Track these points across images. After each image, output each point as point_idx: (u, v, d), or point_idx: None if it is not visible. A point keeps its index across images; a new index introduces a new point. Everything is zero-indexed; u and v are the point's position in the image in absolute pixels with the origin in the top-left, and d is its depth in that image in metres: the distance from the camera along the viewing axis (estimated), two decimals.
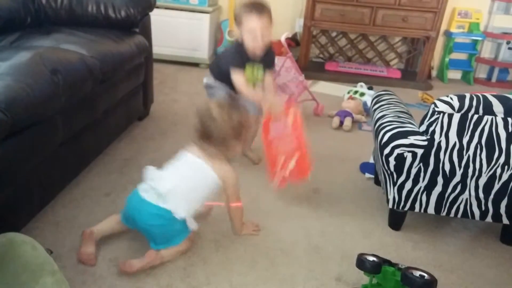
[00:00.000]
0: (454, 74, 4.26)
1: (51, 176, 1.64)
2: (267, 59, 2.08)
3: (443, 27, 3.93)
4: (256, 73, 2.06)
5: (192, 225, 1.48)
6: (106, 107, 2.03)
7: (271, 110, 1.96)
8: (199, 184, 1.49)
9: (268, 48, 2.03)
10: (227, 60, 2.03)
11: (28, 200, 1.52)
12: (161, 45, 3.58)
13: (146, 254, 1.43)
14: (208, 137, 1.46)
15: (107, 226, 1.56)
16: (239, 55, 1.99)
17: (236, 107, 1.49)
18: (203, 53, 3.85)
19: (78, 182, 1.90)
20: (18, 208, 1.47)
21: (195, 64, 3.88)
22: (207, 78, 2.15)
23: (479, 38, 3.99)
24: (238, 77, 1.98)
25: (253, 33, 1.92)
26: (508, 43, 3.96)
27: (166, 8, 3.68)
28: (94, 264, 1.45)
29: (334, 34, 4.13)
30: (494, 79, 4.12)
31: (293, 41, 4.01)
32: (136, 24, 2.35)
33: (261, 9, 1.92)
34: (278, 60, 2.75)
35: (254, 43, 1.95)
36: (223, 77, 2.06)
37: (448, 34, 4.01)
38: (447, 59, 4.07)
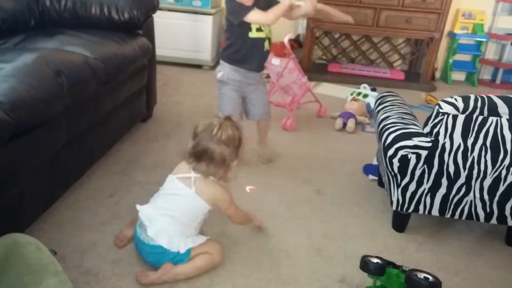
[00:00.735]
0: (458, 76, 4.24)
1: (55, 177, 1.65)
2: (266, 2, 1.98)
3: (447, 28, 3.92)
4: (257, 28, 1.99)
5: (195, 242, 1.45)
6: (110, 109, 2.03)
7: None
8: (190, 214, 1.46)
9: None
10: (236, 13, 1.92)
11: (33, 201, 1.53)
12: (164, 47, 3.59)
13: (161, 267, 1.41)
14: (206, 158, 1.42)
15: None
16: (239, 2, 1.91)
17: (235, 126, 1.47)
18: (206, 54, 3.86)
19: (82, 183, 1.91)
20: (22, 209, 1.47)
21: (198, 66, 3.89)
22: (221, 70, 2.07)
23: (483, 39, 3.97)
24: (255, 14, 1.89)
25: None
26: None
27: (169, 10, 3.68)
28: (121, 247, 1.53)
29: (337, 35, 4.12)
30: (498, 81, 4.10)
31: (296, 42, 4.00)
32: (140, 26, 2.35)
33: None
34: (281, 62, 2.76)
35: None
36: (240, 55, 2.00)
37: (452, 35, 4.00)
38: (451, 61, 4.06)
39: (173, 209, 1.43)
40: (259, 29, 1.99)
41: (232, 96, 2.08)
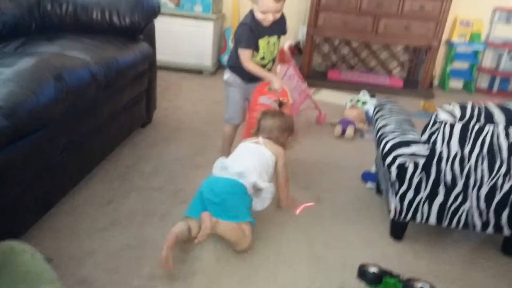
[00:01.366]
0: (456, 83, 4.26)
1: (53, 183, 1.65)
2: (279, 25, 2.08)
3: (444, 37, 3.94)
4: (272, 45, 2.11)
5: (260, 204, 1.73)
6: (110, 113, 2.04)
7: (277, 87, 2.07)
8: (261, 160, 1.78)
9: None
10: (238, 38, 2.05)
11: (30, 206, 1.52)
12: (165, 53, 3.59)
13: (201, 218, 1.52)
14: (267, 131, 1.90)
15: (180, 231, 1.56)
16: (251, 31, 2.00)
17: (284, 113, 1.98)
18: (206, 60, 3.87)
19: (80, 188, 1.91)
20: (19, 215, 1.47)
21: (199, 72, 3.89)
22: (226, 73, 2.20)
23: (481, 48, 4.00)
24: (245, 54, 2.03)
25: (266, 15, 1.96)
26: (509, 53, 3.96)
27: (170, 15, 3.70)
28: (171, 270, 1.46)
29: (336, 42, 4.14)
30: (495, 89, 4.12)
31: (296, 49, 4.02)
32: (141, 31, 2.36)
33: None
34: (281, 68, 2.77)
35: (265, 21, 1.99)
36: (236, 66, 2.11)
37: (450, 44, 4.02)
38: (448, 68, 4.08)
39: (250, 159, 1.75)
40: (262, 58, 2.10)
41: (237, 98, 2.19)
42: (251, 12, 2.02)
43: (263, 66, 2.11)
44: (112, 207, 1.83)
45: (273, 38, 2.09)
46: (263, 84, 2.11)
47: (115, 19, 2.27)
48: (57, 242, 1.58)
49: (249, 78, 2.14)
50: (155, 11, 2.45)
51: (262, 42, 2.05)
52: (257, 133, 1.94)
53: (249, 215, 1.64)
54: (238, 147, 1.90)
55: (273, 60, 2.18)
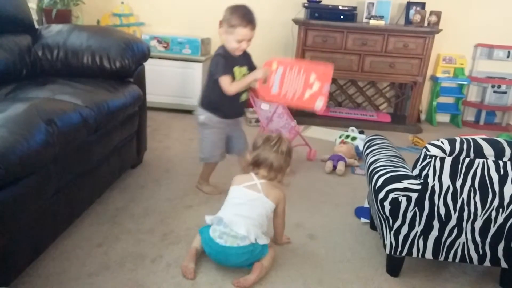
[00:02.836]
0: (443, 117, 4.34)
1: (42, 228, 1.61)
2: (247, 59, 2.22)
3: (429, 72, 4.05)
4: (243, 75, 2.18)
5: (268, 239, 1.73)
6: (100, 156, 2.03)
7: (262, 75, 2.13)
8: (263, 215, 1.72)
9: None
10: (215, 70, 2.12)
11: (19, 252, 1.48)
12: (154, 93, 3.63)
13: (253, 268, 1.63)
14: (266, 165, 1.74)
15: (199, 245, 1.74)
16: (225, 59, 2.10)
17: (287, 140, 1.81)
18: (196, 100, 3.89)
19: (70, 233, 1.87)
20: (8, 261, 1.43)
21: (188, 111, 3.92)
22: (200, 114, 2.24)
23: (465, 83, 4.11)
24: (225, 81, 2.09)
25: (242, 42, 2.09)
26: (493, 86, 4.07)
27: (160, 58, 3.76)
28: (194, 278, 1.63)
29: None
30: (482, 122, 4.21)
31: None
32: (131, 74, 2.39)
33: (254, 22, 2.08)
34: (270, 107, 2.81)
35: (239, 50, 2.11)
36: (215, 102, 2.17)
37: (435, 79, 4.13)
38: (435, 103, 4.17)
39: (249, 213, 1.68)
40: None
41: (214, 139, 2.25)
42: (222, 46, 2.14)
43: (240, 95, 2.17)
44: (102, 250, 1.78)
45: (244, 69, 2.18)
46: (260, 88, 2.15)
47: (105, 63, 2.29)
48: None
49: (234, 112, 2.23)
50: (145, 55, 2.49)
51: (236, 70, 2.13)
52: (253, 167, 1.77)
53: (265, 247, 1.70)
54: (233, 191, 1.77)
55: (248, 90, 2.25)
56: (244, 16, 2.05)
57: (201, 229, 1.76)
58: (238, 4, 2.11)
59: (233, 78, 2.11)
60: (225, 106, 2.17)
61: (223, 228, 1.65)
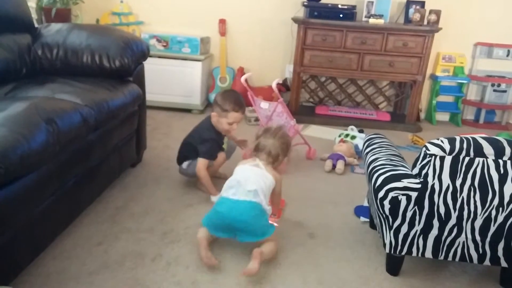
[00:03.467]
0: (442, 116, 4.34)
1: (42, 227, 1.61)
2: None
3: (428, 71, 4.05)
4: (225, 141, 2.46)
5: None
6: (100, 155, 2.03)
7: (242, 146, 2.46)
8: (265, 182, 1.84)
9: None
10: (206, 151, 2.30)
11: (19, 251, 1.48)
12: (154, 92, 3.64)
13: (253, 256, 1.65)
14: (265, 151, 1.92)
15: (206, 234, 1.80)
16: (218, 146, 2.36)
17: (286, 132, 2.03)
18: (195, 99, 3.91)
19: (70, 231, 1.87)
20: (8, 260, 1.43)
21: (188, 110, 3.93)
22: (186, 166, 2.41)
23: (464, 81, 4.11)
24: (202, 163, 2.27)
25: (233, 124, 2.30)
26: (492, 85, 4.07)
27: (159, 57, 3.76)
28: (216, 263, 1.69)
29: (323, 79, 4.23)
30: (481, 121, 4.21)
31: (283, 86, 4.09)
32: (130, 73, 2.39)
33: (244, 107, 2.31)
34: (270, 106, 2.80)
35: (229, 131, 2.34)
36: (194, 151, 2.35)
37: (434, 78, 4.13)
38: (434, 102, 4.17)
39: (256, 180, 1.80)
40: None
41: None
42: (211, 126, 2.32)
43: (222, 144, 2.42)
44: (102, 249, 1.78)
45: (226, 139, 2.45)
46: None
47: (105, 62, 2.29)
48: (47, 287, 1.53)
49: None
50: (145, 54, 2.48)
51: (225, 142, 2.43)
52: (255, 152, 1.95)
53: (271, 226, 1.81)
54: (239, 167, 1.91)
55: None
56: (236, 102, 2.26)
57: (204, 219, 1.83)
58: (228, 90, 2.39)
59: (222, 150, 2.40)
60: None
61: (237, 186, 1.79)
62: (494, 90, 4.10)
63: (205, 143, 2.30)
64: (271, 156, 1.93)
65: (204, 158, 2.28)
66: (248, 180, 1.79)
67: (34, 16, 3.16)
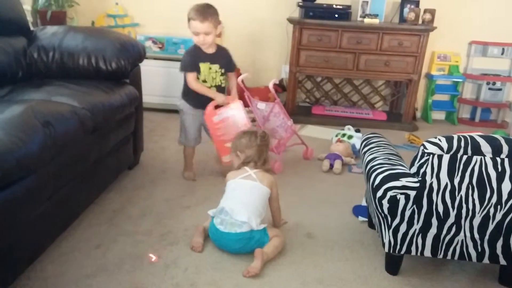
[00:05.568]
0: (438, 115, 4.35)
1: (40, 230, 1.60)
2: (222, 58, 2.38)
3: (424, 70, 4.06)
4: (214, 72, 2.37)
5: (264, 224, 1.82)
6: (97, 157, 2.02)
7: (220, 101, 2.36)
8: (262, 201, 1.86)
9: (221, 48, 2.41)
10: (181, 65, 2.33)
11: (16, 255, 1.47)
12: (150, 94, 3.62)
13: (255, 255, 1.71)
14: (253, 162, 1.93)
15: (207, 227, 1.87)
16: (190, 56, 2.32)
17: (266, 134, 2.01)
18: None
19: (67, 234, 1.86)
20: (6, 264, 1.42)
21: None
22: (178, 100, 2.48)
23: (460, 80, 4.12)
24: (189, 77, 2.32)
25: (197, 36, 2.25)
26: (488, 83, 4.09)
27: (155, 58, 3.75)
28: (201, 251, 1.79)
29: (319, 79, 4.23)
30: (477, 119, 4.22)
31: (280, 87, 4.09)
32: (127, 75, 2.38)
33: (204, 16, 2.20)
34: (266, 106, 2.80)
35: (202, 43, 2.28)
36: (185, 92, 2.40)
37: (430, 77, 4.14)
38: (430, 101, 4.18)
39: (248, 199, 1.81)
40: (204, 81, 2.37)
41: (189, 123, 2.47)
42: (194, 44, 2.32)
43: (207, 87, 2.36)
44: (100, 252, 1.78)
45: (215, 66, 2.36)
46: (210, 107, 2.35)
47: (101, 64, 2.28)
48: None
49: (200, 104, 2.37)
50: (141, 56, 2.48)
51: (202, 66, 2.32)
52: (242, 165, 1.95)
53: (264, 237, 1.80)
54: (230, 184, 1.89)
55: (219, 88, 2.41)
56: (197, 9, 2.20)
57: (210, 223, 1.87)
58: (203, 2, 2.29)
59: (198, 72, 2.32)
60: (193, 96, 2.38)
61: (224, 216, 1.78)
62: (490, 89, 4.11)
63: (182, 58, 2.35)
64: (259, 161, 1.94)
65: (185, 72, 2.32)
66: (238, 210, 1.77)
67: (29, 19, 3.16)
